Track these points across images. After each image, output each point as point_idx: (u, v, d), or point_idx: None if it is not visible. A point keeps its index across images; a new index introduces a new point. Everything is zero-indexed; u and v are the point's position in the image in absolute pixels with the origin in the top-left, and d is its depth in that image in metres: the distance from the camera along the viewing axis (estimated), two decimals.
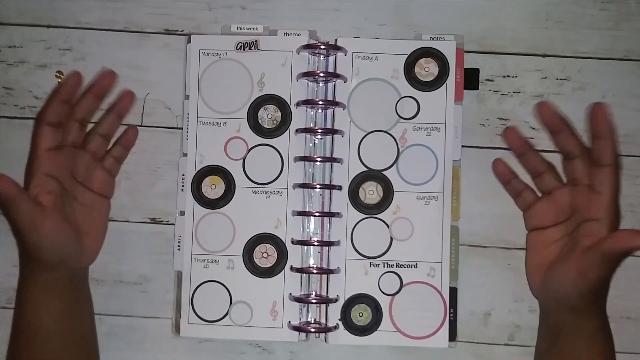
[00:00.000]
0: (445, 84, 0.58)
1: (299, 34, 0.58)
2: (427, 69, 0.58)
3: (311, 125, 0.58)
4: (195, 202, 0.58)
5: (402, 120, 0.58)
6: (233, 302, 0.57)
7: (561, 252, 0.52)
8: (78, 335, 0.54)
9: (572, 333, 0.51)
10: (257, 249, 0.57)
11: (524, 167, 0.56)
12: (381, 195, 0.58)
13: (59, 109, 0.52)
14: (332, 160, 0.57)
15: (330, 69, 0.58)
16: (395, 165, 0.58)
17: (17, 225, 0.50)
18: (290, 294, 0.57)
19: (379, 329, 0.57)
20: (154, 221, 0.60)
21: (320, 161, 0.57)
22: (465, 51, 0.58)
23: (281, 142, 0.58)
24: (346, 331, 0.57)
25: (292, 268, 0.57)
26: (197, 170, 0.58)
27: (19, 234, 0.50)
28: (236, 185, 0.58)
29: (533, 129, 0.59)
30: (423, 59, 0.58)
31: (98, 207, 0.56)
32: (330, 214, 0.57)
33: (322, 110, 0.58)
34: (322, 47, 0.57)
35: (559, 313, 0.52)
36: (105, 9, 0.60)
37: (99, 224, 0.56)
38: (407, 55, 0.58)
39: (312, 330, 0.56)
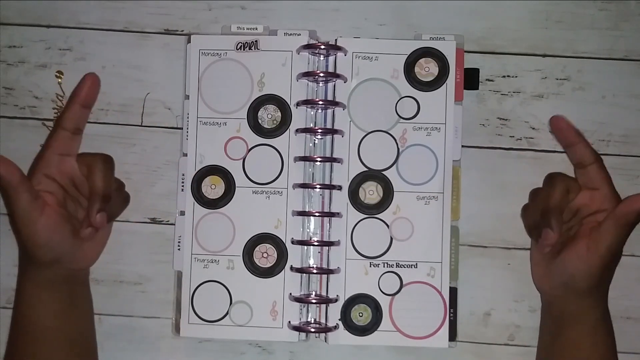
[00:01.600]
0: (445, 84, 0.58)
1: (299, 34, 0.58)
2: (427, 69, 0.58)
3: (311, 125, 0.58)
4: (195, 202, 0.58)
5: (402, 120, 0.58)
6: (233, 302, 0.57)
7: (567, 240, 0.53)
8: (74, 334, 0.54)
9: (576, 322, 0.52)
10: (257, 249, 0.57)
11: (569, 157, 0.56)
12: (381, 195, 0.58)
13: (78, 114, 0.53)
14: (332, 160, 0.57)
15: (330, 69, 0.58)
16: (395, 165, 0.58)
17: (14, 216, 0.50)
18: (290, 294, 0.57)
19: (379, 329, 0.57)
20: (154, 221, 0.60)
21: (320, 161, 0.57)
22: (465, 51, 0.58)
23: (281, 142, 0.58)
24: (346, 331, 0.57)
25: (292, 268, 0.57)
26: (197, 170, 0.58)
27: (16, 225, 0.50)
28: (236, 185, 0.58)
29: (533, 129, 0.59)
30: (423, 59, 0.58)
31: (46, 208, 0.55)
32: (330, 214, 0.57)
33: (322, 110, 0.58)
34: (322, 47, 0.57)
35: (563, 301, 0.53)
36: (105, 9, 0.60)
37: (101, 231, 0.56)
38: (407, 55, 0.58)
39: (312, 330, 0.56)
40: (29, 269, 0.53)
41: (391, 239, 0.57)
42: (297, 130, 0.57)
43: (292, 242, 0.57)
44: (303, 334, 0.56)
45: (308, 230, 0.58)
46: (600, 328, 0.52)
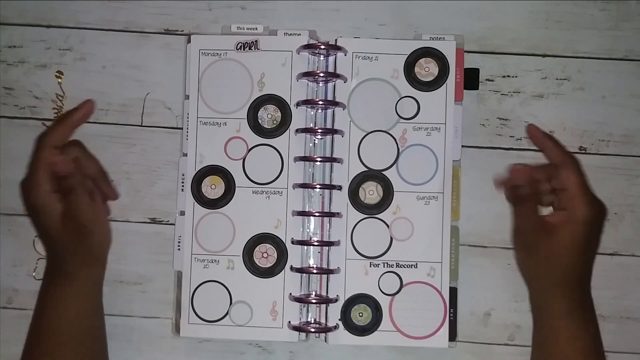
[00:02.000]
0: (445, 84, 0.58)
1: (299, 34, 0.58)
2: (427, 69, 0.58)
3: (311, 125, 0.58)
4: (195, 202, 0.58)
5: (402, 120, 0.58)
6: (233, 302, 0.57)
7: None
8: (97, 333, 0.55)
9: (546, 315, 0.52)
10: (257, 249, 0.57)
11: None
12: (381, 195, 0.58)
13: (67, 134, 0.54)
14: (332, 160, 0.57)
15: (330, 69, 0.58)
16: (395, 165, 0.58)
17: (82, 217, 0.51)
18: (290, 294, 0.57)
19: (379, 329, 0.57)
20: (154, 221, 0.60)
21: (320, 161, 0.57)
22: (465, 51, 0.58)
23: (281, 142, 0.58)
24: (346, 331, 0.57)
25: (292, 268, 0.57)
26: (197, 170, 0.58)
27: (83, 227, 0.51)
28: (236, 185, 0.58)
29: None
30: (423, 59, 0.58)
31: (98, 204, 0.56)
32: (330, 214, 0.57)
33: (322, 110, 0.58)
34: (322, 47, 0.57)
35: (533, 295, 0.54)
36: (105, 9, 0.60)
37: (105, 216, 0.57)
38: (407, 55, 0.58)
39: (312, 330, 0.56)
40: (81, 272, 0.53)
41: (391, 239, 0.57)
42: (297, 130, 0.57)
43: (292, 242, 0.57)
44: (303, 334, 0.56)
45: (308, 230, 0.58)
46: (574, 321, 0.51)
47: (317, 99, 0.58)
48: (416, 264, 0.57)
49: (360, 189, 0.58)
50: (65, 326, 0.52)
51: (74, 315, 0.52)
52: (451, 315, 0.57)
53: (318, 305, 0.57)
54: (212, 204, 0.58)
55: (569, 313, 0.51)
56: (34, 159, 0.52)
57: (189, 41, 0.58)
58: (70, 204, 0.51)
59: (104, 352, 0.56)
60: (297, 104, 0.57)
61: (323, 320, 0.57)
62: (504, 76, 0.60)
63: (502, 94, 0.60)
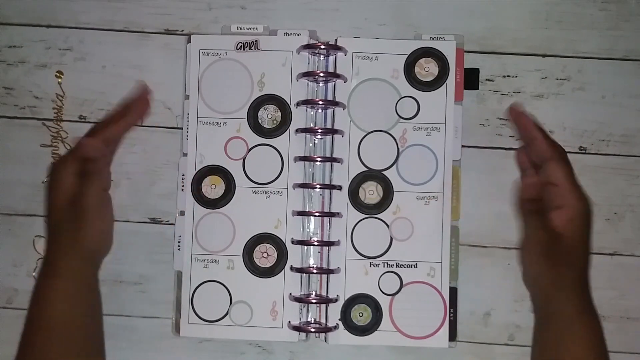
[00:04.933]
0: (445, 84, 0.58)
1: (299, 34, 0.58)
2: (427, 69, 0.58)
3: (311, 125, 0.58)
4: (195, 202, 0.58)
5: (402, 120, 0.58)
6: (233, 302, 0.57)
7: None
8: (94, 330, 0.54)
9: (551, 320, 0.52)
10: (257, 249, 0.57)
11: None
12: (381, 195, 0.58)
13: (121, 132, 0.55)
14: (332, 160, 0.57)
15: (330, 69, 0.58)
16: (395, 165, 0.58)
17: (87, 205, 0.51)
18: (290, 294, 0.57)
19: (379, 329, 0.57)
20: (154, 221, 0.60)
21: (320, 161, 0.57)
22: (465, 51, 0.58)
23: (281, 142, 0.58)
24: (346, 331, 0.57)
25: (292, 268, 0.57)
26: (197, 170, 0.58)
27: (85, 215, 0.51)
28: (236, 185, 0.58)
29: None
30: (423, 59, 0.58)
31: (107, 201, 0.56)
32: (330, 214, 0.57)
33: (322, 110, 0.58)
34: (322, 47, 0.57)
35: (539, 297, 0.53)
36: (105, 9, 0.60)
37: (111, 215, 0.57)
38: (407, 55, 0.58)
39: (312, 330, 0.56)
40: (73, 266, 0.52)
41: (391, 239, 0.57)
42: (297, 130, 0.57)
43: (292, 242, 0.57)
44: (303, 334, 0.56)
45: (308, 230, 0.58)
46: (577, 326, 0.51)
47: (317, 99, 0.58)
48: (416, 264, 0.57)
49: (360, 189, 0.58)
50: (52, 321, 0.52)
51: (60, 310, 0.52)
52: (451, 315, 0.57)
53: (318, 305, 0.57)
54: (212, 204, 0.58)
55: (579, 314, 0.51)
56: (79, 141, 0.53)
57: (189, 41, 0.59)
58: (82, 186, 0.51)
59: (99, 351, 0.56)
60: (297, 104, 0.57)
61: (323, 320, 0.57)
62: (504, 76, 0.60)
63: (502, 94, 0.60)
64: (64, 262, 0.52)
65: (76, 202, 0.51)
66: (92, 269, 0.54)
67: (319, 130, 0.57)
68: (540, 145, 0.52)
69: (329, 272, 0.57)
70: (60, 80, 0.60)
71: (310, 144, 0.58)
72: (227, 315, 0.57)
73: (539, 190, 0.52)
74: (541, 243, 0.51)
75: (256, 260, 0.57)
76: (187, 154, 0.58)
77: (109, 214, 0.55)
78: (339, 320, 0.57)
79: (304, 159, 0.57)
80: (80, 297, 0.53)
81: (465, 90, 0.58)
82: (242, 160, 0.58)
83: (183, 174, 0.58)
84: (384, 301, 0.57)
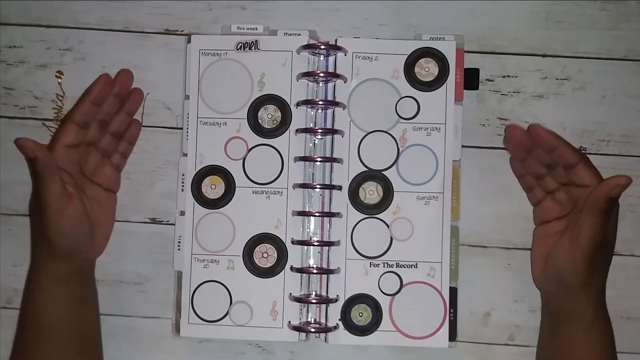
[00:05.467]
0: (445, 84, 0.58)
1: (299, 34, 0.58)
2: (427, 69, 0.58)
3: (311, 125, 0.58)
4: (195, 202, 0.58)
5: (402, 120, 0.58)
6: (233, 302, 0.57)
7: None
8: (85, 328, 0.55)
9: (570, 320, 0.52)
10: (257, 249, 0.57)
11: (526, 169, 0.56)
12: (381, 195, 0.58)
13: (89, 110, 0.54)
14: (332, 160, 0.57)
15: (330, 69, 0.58)
16: (395, 165, 0.58)
17: (43, 203, 0.50)
18: (290, 294, 0.57)
19: (379, 329, 0.57)
20: (154, 221, 0.60)
21: (320, 161, 0.57)
22: (465, 51, 0.58)
23: (281, 142, 0.58)
24: (346, 331, 0.57)
25: (292, 268, 0.57)
26: (197, 170, 0.58)
27: (43, 212, 0.50)
28: (236, 185, 0.58)
29: None
30: (423, 59, 0.58)
31: (106, 201, 0.57)
32: (330, 214, 0.57)
33: (322, 110, 0.58)
34: (322, 47, 0.57)
35: (558, 298, 0.53)
36: (105, 9, 0.60)
37: (107, 216, 0.57)
38: (407, 55, 0.58)
39: (312, 330, 0.56)
40: (45, 261, 0.53)
41: (391, 239, 0.57)
42: (297, 130, 0.57)
43: (292, 242, 0.57)
44: (303, 334, 0.56)
45: (308, 230, 0.58)
46: (596, 326, 0.52)
47: (317, 99, 0.58)
48: (416, 264, 0.57)
49: (360, 189, 0.58)
50: (39, 317, 0.53)
51: (42, 306, 0.52)
52: (451, 315, 0.57)
53: (318, 305, 0.57)
54: (212, 204, 0.58)
55: (598, 316, 0.52)
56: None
57: (189, 41, 0.59)
58: (35, 184, 0.51)
59: (95, 351, 0.56)
60: (297, 104, 0.57)
61: (323, 320, 0.57)
62: (504, 76, 0.60)
63: (502, 94, 0.60)
64: (37, 257, 0.53)
65: (35, 200, 0.51)
66: (63, 266, 0.53)
67: (319, 131, 0.57)
68: (564, 152, 0.51)
69: (329, 272, 0.57)
70: (60, 80, 0.60)
71: (310, 144, 0.58)
72: (227, 316, 0.57)
73: (523, 139, 0.52)
74: (593, 242, 0.49)
75: (256, 261, 0.57)
76: (187, 154, 0.58)
77: (73, 212, 0.51)
78: (339, 320, 0.57)
79: (304, 159, 0.57)
80: (60, 295, 0.53)
81: (465, 91, 0.58)
82: (242, 160, 0.58)
83: (183, 174, 0.58)
84: (384, 301, 0.57)
